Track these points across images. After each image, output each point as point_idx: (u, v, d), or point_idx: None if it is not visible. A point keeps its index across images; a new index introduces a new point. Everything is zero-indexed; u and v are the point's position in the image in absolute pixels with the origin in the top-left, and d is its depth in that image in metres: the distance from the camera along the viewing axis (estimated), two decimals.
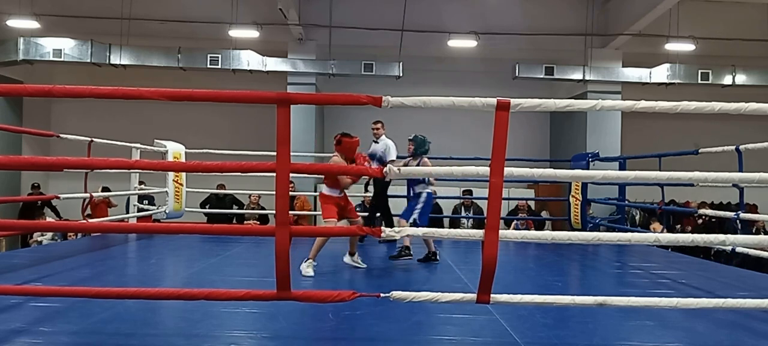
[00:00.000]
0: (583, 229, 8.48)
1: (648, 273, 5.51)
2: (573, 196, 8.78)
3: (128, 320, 3.15)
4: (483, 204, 9.57)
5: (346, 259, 5.17)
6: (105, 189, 8.74)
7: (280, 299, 2.74)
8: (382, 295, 2.77)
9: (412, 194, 5.65)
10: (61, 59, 10.32)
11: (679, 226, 10.42)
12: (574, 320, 3.36)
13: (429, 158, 5.55)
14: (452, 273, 5.12)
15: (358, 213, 5.54)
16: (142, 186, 7.92)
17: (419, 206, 5.36)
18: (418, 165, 5.35)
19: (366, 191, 7.88)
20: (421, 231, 3.05)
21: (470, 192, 9.85)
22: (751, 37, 10.67)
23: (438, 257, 5.55)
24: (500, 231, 2.64)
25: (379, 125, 6.50)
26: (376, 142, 6.58)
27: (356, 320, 3.28)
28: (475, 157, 7.81)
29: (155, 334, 3.06)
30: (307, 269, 4.74)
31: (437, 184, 10.32)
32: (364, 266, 5.15)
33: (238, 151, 7.97)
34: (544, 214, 10.83)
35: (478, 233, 2.69)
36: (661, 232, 8.77)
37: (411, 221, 5.26)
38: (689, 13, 10.27)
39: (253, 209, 9.56)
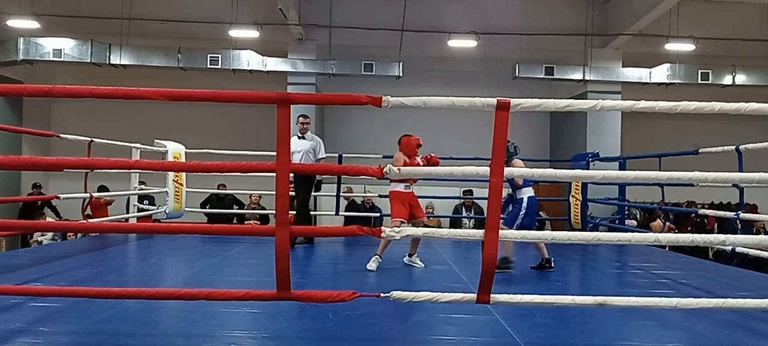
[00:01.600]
0: (583, 229, 8.48)
1: (648, 273, 5.51)
2: (573, 196, 8.78)
3: (128, 320, 3.15)
4: (483, 204, 9.60)
5: (405, 259, 5.36)
6: (102, 188, 8.72)
7: (280, 299, 2.74)
8: (382, 295, 2.77)
9: (513, 200, 5.35)
10: (61, 59, 10.32)
11: (675, 228, 10.42)
12: (574, 320, 3.36)
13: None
14: (452, 273, 5.12)
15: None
16: (143, 186, 7.92)
17: (522, 211, 5.13)
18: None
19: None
20: (421, 231, 3.05)
21: (471, 192, 9.85)
22: (751, 37, 10.67)
23: (553, 264, 5.23)
24: (500, 231, 2.64)
25: (307, 120, 6.49)
26: (302, 137, 6.49)
27: (356, 320, 3.28)
28: (475, 157, 7.81)
29: (155, 334, 3.06)
30: (371, 264, 5.10)
31: (437, 184, 10.39)
32: (422, 265, 5.28)
33: (238, 151, 7.97)
34: (543, 214, 10.83)
35: (478, 233, 2.69)
36: (664, 227, 8.78)
37: (516, 226, 5.07)
38: (689, 13, 10.26)
39: (253, 209, 9.56)
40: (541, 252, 5.27)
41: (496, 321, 3.27)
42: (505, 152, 4.97)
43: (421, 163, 5.02)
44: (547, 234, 2.83)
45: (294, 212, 6.61)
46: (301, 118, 6.52)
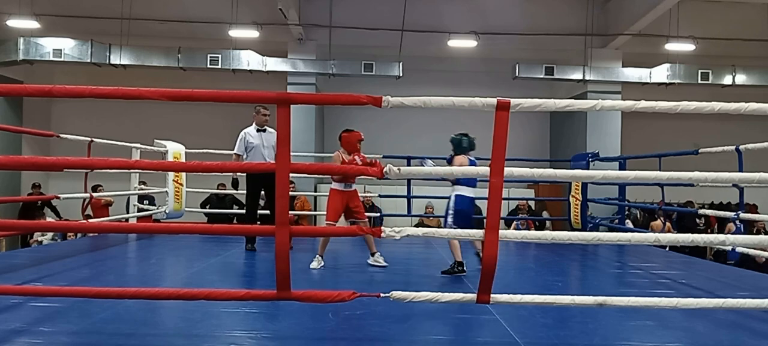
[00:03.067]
0: (583, 229, 8.48)
1: (648, 273, 5.51)
2: (573, 196, 8.78)
3: (128, 320, 3.15)
4: (481, 204, 9.58)
5: (369, 260, 5.28)
6: (96, 187, 8.69)
7: (280, 299, 2.74)
8: (382, 295, 2.77)
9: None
10: (61, 59, 10.33)
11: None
12: (574, 320, 3.36)
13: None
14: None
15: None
16: (143, 186, 7.92)
17: (450, 210, 4.99)
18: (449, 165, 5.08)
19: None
20: (421, 231, 3.05)
21: None
22: (751, 37, 10.67)
23: (464, 269, 4.94)
24: (500, 231, 2.64)
25: (268, 112, 6.00)
26: (263, 130, 6.08)
27: (356, 320, 3.28)
28: (475, 157, 7.79)
29: (155, 334, 3.06)
30: (314, 263, 5.07)
31: (434, 184, 10.39)
32: (386, 264, 5.20)
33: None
34: (545, 214, 10.84)
35: (478, 233, 2.69)
36: (664, 227, 8.78)
37: (446, 226, 4.93)
38: (689, 13, 10.27)
39: None
40: (454, 254, 4.97)
41: (496, 321, 3.27)
42: (458, 146, 4.99)
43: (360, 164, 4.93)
44: (547, 234, 2.83)
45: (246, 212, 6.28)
46: (262, 110, 6.11)
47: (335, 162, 5.09)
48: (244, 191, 9.45)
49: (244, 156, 6.04)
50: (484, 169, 2.63)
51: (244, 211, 9.61)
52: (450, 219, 4.94)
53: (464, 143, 5.04)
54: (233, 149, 6.17)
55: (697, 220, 10.26)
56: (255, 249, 6.07)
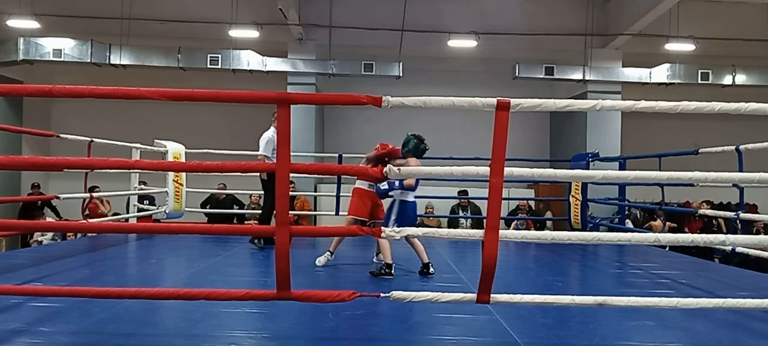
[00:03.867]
0: (583, 229, 8.48)
1: (648, 273, 5.51)
2: (573, 196, 8.78)
3: (128, 320, 3.15)
4: (480, 204, 9.62)
5: (375, 259, 5.42)
6: (93, 188, 8.68)
7: (280, 299, 2.74)
8: (382, 295, 2.77)
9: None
10: (61, 59, 10.33)
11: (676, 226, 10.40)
12: (574, 320, 3.36)
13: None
14: (452, 273, 5.11)
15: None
16: (143, 186, 7.92)
17: (393, 215, 4.83)
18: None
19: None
20: (420, 231, 3.05)
21: (465, 192, 9.86)
22: (751, 37, 10.67)
23: (431, 269, 4.86)
24: (500, 231, 2.64)
25: None
26: None
27: (356, 320, 3.28)
28: (475, 157, 7.81)
29: (155, 334, 3.06)
30: (321, 259, 5.19)
31: (435, 184, 10.40)
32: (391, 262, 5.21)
33: (238, 151, 7.97)
34: (548, 214, 10.84)
35: (478, 233, 2.69)
36: (663, 227, 8.78)
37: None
38: (689, 13, 10.26)
39: (253, 209, 9.56)
40: (421, 256, 4.91)
41: (496, 321, 3.27)
42: (404, 146, 4.77)
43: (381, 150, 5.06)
44: (548, 234, 2.83)
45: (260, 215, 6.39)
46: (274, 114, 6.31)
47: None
48: (245, 191, 9.49)
49: (270, 159, 6.17)
50: (483, 169, 2.63)
51: (243, 211, 9.73)
52: (392, 220, 4.81)
53: (410, 146, 4.80)
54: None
55: (714, 222, 10.23)
56: (263, 247, 6.13)
